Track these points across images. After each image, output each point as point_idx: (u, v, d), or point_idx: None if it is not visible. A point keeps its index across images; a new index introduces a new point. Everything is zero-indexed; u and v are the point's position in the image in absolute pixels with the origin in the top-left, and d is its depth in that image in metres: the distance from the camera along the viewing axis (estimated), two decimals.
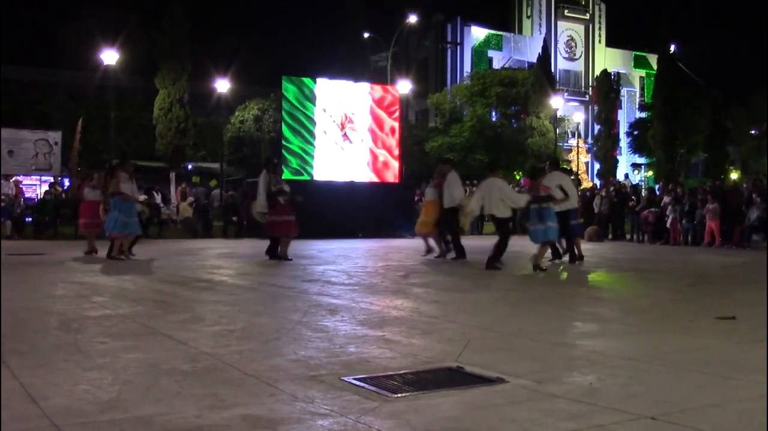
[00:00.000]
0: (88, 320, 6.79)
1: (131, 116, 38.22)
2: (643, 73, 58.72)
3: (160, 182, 35.22)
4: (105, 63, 26.51)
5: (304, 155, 23.10)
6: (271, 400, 4.06)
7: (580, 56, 57.37)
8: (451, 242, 14.37)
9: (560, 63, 55.52)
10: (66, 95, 44.91)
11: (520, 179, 39.42)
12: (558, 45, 55.85)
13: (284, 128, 23.36)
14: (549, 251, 13.18)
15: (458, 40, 53.43)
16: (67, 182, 30.01)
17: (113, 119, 27.30)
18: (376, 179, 24.36)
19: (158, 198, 25.97)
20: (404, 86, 32.65)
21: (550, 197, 12.30)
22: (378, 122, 24.58)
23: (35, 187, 29.19)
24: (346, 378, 4.54)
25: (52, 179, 28.03)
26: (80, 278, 10.69)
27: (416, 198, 25.18)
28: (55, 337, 5.96)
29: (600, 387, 4.38)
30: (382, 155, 24.60)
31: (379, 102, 24.74)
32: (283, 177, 21.74)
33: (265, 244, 14.48)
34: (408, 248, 15.77)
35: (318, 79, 24.15)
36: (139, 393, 4.16)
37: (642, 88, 58.48)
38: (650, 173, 46.22)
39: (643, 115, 49.46)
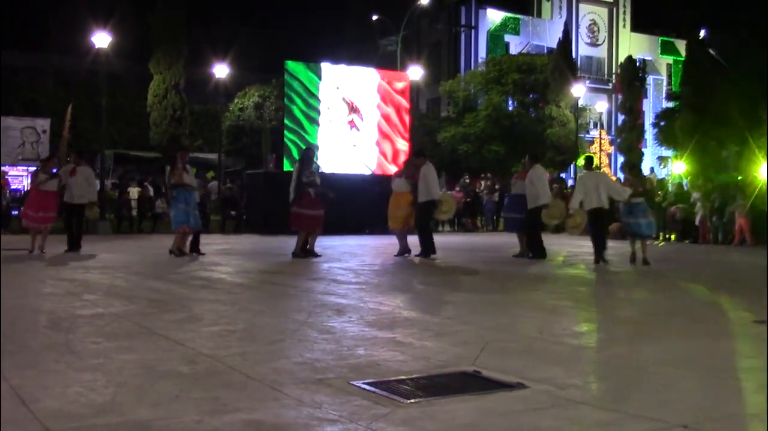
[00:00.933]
0: (80, 319, 6.80)
1: (124, 103, 38.31)
2: (670, 60, 58.45)
3: (154, 173, 35.29)
4: (96, 46, 26.51)
5: (307, 146, 23.08)
6: (276, 405, 4.06)
7: (604, 41, 57.16)
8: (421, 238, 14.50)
9: (582, 49, 55.32)
10: (55, 81, 44.99)
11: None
12: (580, 29, 55.65)
13: (286, 117, 23.39)
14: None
15: (473, 24, 53.29)
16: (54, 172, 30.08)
17: (105, 106, 27.30)
18: (384, 171, 24.34)
19: (151, 191, 26.01)
20: (415, 72, 32.59)
21: (645, 191, 13.37)
22: (387, 110, 24.57)
23: (21, 178, 29.28)
24: (355, 382, 4.53)
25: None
26: (70, 275, 10.72)
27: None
28: (45, 337, 5.98)
29: (628, 394, 4.36)
30: (391, 145, 24.60)
31: (388, 89, 24.73)
32: (285, 169, 21.83)
33: (266, 239, 14.52)
34: (419, 245, 15.73)
35: (323, 64, 24.19)
36: (135, 396, 4.16)
37: (669, 76, 58.20)
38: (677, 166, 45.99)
39: (671, 104, 49.16)
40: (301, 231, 14.04)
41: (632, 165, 14.70)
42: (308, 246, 14.08)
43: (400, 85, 25.30)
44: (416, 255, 14.23)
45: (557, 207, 14.50)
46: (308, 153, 14.86)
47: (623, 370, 4.98)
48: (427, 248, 14.18)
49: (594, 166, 14.68)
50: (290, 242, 14.87)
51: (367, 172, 23.99)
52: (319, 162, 22.96)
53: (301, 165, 14.18)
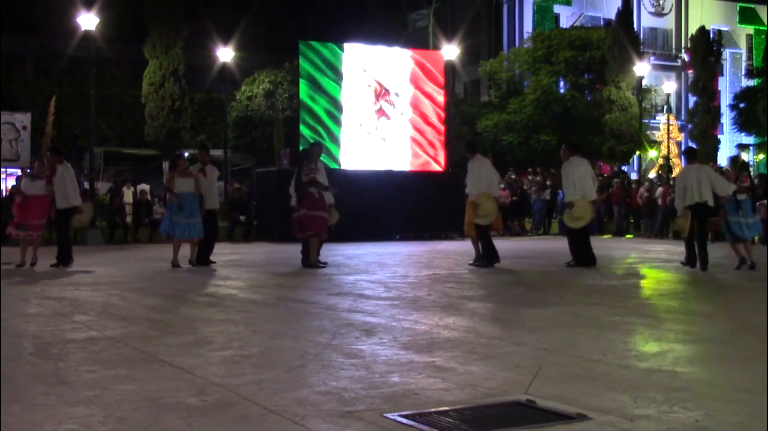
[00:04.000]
0: (71, 344, 6.88)
1: (115, 93, 38.58)
2: (751, 30, 57.96)
3: (150, 173, 35.54)
4: (82, 28, 26.79)
5: (328, 139, 23.16)
6: None
7: (671, 10, 56.78)
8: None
9: (645, 19, 55.00)
10: (35, 68, 45.45)
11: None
12: None
13: (303, 106, 23.46)
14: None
15: None
16: None
17: (93, 96, 27.60)
18: (417, 168, 24.36)
19: (148, 194, 26.26)
20: (450, 51, 32.55)
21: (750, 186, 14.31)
22: (419, 97, 24.60)
23: None
24: (389, 415, 4.55)
25: (20, 172, 28.35)
26: (58, 293, 10.84)
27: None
28: (31, 365, 6.05)
29: (710, 426, 4.34)
30: (425, 137, 24.62)
31: (420, 72, 24.74)
32: None
33: (281, 248, 14.64)
34: (458, 252, 15.79)
35: (345, 45, 24.23)
36: None
37: (750, 50, 57.72)
38: (761, 155, 45.67)
39: (752, 83, 48.76)
40: (308, 237, 14.17)
41: (735, 157, 15.40)
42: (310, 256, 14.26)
43: (433, 66, 25.29)
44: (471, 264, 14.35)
45: (583, 207, 14.24)
46: (312, 149, 15.02)
47: (702, 397, 4.95)
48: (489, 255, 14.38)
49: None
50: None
51: (398, 168, 23.99)
52: (341, 158, 23.11)
53: (299, 162, 14.43)
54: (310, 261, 14.11)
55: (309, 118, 23.24)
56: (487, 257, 14.23)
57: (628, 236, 26.71)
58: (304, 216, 13.99)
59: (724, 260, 15.22)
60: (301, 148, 22.97)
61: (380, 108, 24.07)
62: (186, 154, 36.02)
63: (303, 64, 23.48)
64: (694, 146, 14.74)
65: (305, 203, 13.99)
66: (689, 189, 13.62)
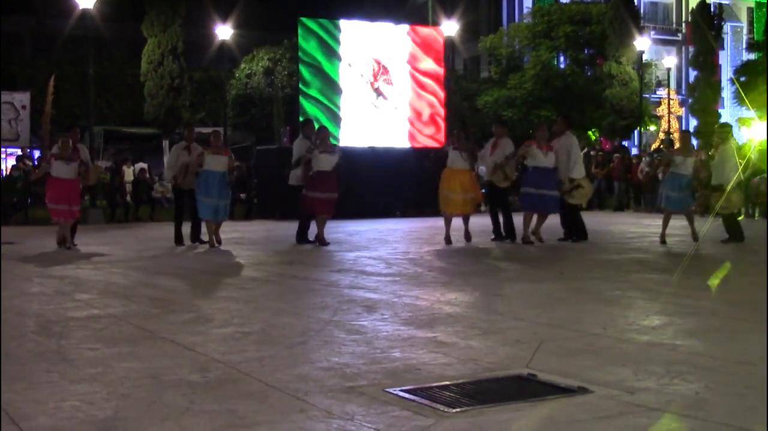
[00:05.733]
0: (73, 322, 6.90)
1: (113, 72, 38.50)
2: (751, 3, 57.70)
3: (150, 152, 35.51)
4: (80, 7, 26.68)
5: (328, 117, 23.10)
6: (302, 417, 4.11)
7: None
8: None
9: None
10: (33, 47, 45.32)
11: (597, 137, 39.16)
12: None
13: (301, 83, 23.40)
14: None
15: None
16: (37, 154, 30.38)
17: (92, 75, 27.52)
18: (417, 144, 24.32)
19: (147, 173, 26.25)
20: (449, 27, 32.42)
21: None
22: (419, 73, 24.51)
23: None
24: (391, 390, 4.57)
25: (19, 152, 28.37)
26: (60, 272, 10.86)
27: None
28: (33, 343, 6.07)
29: (709, 398, 4.36)
30: (425, 114, 24.56)
31: (419, 48, 24.66)
32: None
33: (281, 226, 14.64)
34: (459, 229, 15.76)
35: (343, 21, 24.15)
36: (140, 410, 4.23)
37: (750, 23, 57.46)
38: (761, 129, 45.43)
39: (753, 56, 48.56)
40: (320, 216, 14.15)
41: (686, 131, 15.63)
42: (317, 234, 14.19)
43: (431, 42, 25.20)
44: (509, 239, 14.38)
45: (587, 187, 14.38)
46: (309, 125, 15.00)
47: (701, 370, 4.97)
48: (511, 232, 14.40)
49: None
50: (309, 229, 14.92)
51: (397, 145, 23.97)
52: (340, 135, 23.08)
53: (302, 141, 14.31)
54: (318, 238, 14.09)
55: (308, 95, 23.18)
56: (508, 232, 14.39)
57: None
58: (309, 198, 13.93)
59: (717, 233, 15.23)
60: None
61: (379, 85, 24.02)
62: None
63: (302, 41, 23.40)
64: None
65: (310, 185, 13.88)
66: (734, 165, 13.74)
